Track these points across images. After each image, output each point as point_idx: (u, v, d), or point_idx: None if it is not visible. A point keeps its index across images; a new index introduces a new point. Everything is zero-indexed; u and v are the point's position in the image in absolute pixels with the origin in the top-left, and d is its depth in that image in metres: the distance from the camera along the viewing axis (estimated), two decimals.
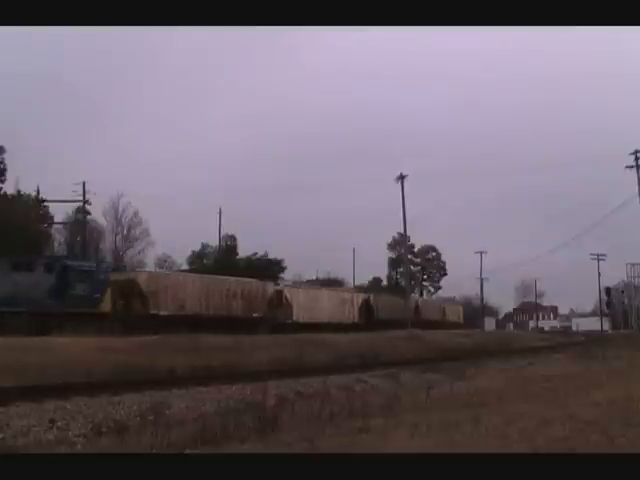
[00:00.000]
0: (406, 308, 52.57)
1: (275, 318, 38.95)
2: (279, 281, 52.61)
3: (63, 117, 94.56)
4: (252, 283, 40.05)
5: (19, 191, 50.32)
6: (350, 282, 74.03)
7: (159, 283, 32.82)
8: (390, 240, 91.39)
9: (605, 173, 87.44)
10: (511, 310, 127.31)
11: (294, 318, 40.71)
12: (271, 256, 62.89)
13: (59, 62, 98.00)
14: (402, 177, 50.38)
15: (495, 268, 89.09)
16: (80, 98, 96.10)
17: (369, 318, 48.90)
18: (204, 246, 67.44)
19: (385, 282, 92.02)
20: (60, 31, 70.32)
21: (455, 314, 75.69)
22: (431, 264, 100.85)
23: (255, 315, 37.85)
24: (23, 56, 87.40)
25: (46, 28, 55.81)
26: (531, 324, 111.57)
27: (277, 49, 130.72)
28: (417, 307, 61.29)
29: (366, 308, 49.97)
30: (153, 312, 31.18)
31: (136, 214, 59.38)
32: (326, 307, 44.95)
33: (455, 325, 67.97)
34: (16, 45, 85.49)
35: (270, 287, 41.38)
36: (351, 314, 47.79)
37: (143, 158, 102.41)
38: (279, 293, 41.55)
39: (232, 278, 40.55)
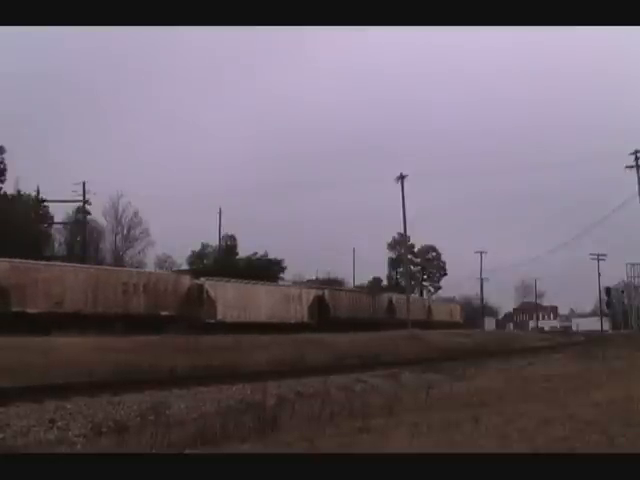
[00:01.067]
0: (408, 305, 50.25)
1: (197, 317, 33.78)
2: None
3: (63, 117, 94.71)
4: (160, 276, 35.27)
5: (19, 191, 50.43)
6: (350, 282, 74.13)
7: (25, 276, 28.15)
8: (390, 240, 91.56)
9: (605, 172, 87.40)
10: (511, 310, 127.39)
11: (219, 317, 35.53)
12: (271, 256, 62.96)
13: (60, 62, 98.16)
14: (402, 177, 50.37)
15: (495, 268, 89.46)
16: (81, 98, 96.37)
17: (323, 317, 43.22)
18: (204, 246, 67.52)
19: (385, 282, 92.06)
20: (61, 30, 70.50)
21: (445, 313, 69.60)
22: (431, 264, 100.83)
23: (164, 313, 32.79)
24: (24, 56, 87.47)
25: (47, 27, 55.87)
26: (531, 324, 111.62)
27: (277, 48, 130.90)
28: (391, 305, 55.17)
29: (319, 306, 44.11)
30: (17, 309, 26.98)
31: (136, 214, 59.45)
32: (264, 305, 39.25)
33: (446, 325, 61.34)
34: (17, 44, 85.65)
35: (186, 281, 36.21)
36: (299, 313, 42.21)
37: (143, 158, 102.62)
38: (199, 288, 35.91)
39: (133, 270, 36.19)
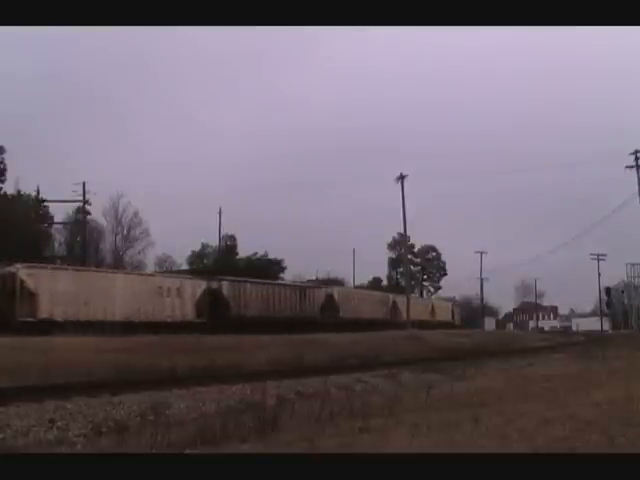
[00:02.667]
0: (408, 305, 48.58)
1: (7, 315, 26.44)
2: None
3: (63, 117, 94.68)
4: None
5: (19, 191, 50.50)
6: (350, 282, 74.12)
7: None
8: (390, 240, 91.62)
9: (605, 172, 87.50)
10: (511, 310, 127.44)
11: (42, 315, 27.75)
12: (271, 256, 62.99)
13: (60, 62, 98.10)
14: (402, 177, 50.41)
15: (495, 268, 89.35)
16: (81, 98, 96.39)
17: (219, 315, 35.25)
18: (204, 246, 67.78)
19: (385, 282, 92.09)
20: (61, 30, 70.41)
21: (423, 312, 57.96)
22: (431, 264, 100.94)
23: None
24: (25, 56, 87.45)
25: (46, 28, 55.85)
26: (531, 324, 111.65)
27: (278, 48, 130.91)
28: (331, 301, 45.46)
29: (213, 302, 35.96)
30: None
31: (136, 214, 59.59)
32: (120, 299, 31.09)
33: (424, 325, 50.74)
34: (18, 45, 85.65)
35: None
36: (179, 310, 34.16)
37: (144, 158, 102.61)
38: (11, 277, 27.93)
39: None
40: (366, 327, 39.69)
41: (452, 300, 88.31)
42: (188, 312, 34.81)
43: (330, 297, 45.97)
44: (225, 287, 37.84)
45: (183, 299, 34.86)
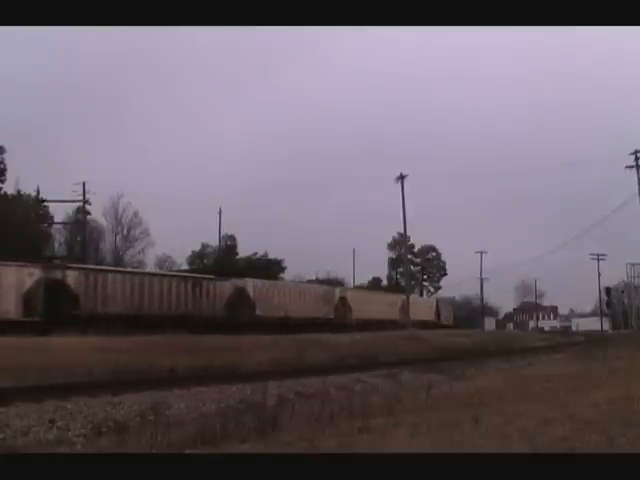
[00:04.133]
0: (407, 304, 48.92)
1: None
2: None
3: (64, 117, 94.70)
4: None
5: (19, 191, 50.49)
6: (350, 282, 74.10)
7: None
8: (390, 240, 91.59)
9: (605, 173, 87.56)
10: (511, 310, 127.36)
11: None
12: (271, 256, 62.95)
13: (61, 62, 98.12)
14: (402, 177, 50.43)
15: (495, 268, 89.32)
16: (82, 98, 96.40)
17: (63, 312, 27.37)
18: (204, 246, 67.73)
19: (385, 282, 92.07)
20: (63, 30, 70.47)
21: (390, 310, 46.72)
22: (431, 264, 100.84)
23: None
24: (26, 56, 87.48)
25: (47, 28, 55.88)
26: (531, 324, 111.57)
27: (278, 50, 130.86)
28: (243, 297, 37.04)
29: (53, 295, 27.76)
30: None
31: (136, 214, 59.63)
32: None
33: (389, 326, 41.34)
34: (19, 45, 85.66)
35: None
36: None
37: (144, 158, 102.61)
38: None
39: None
40: (295, 329, 31.76)
41: (451, 300, 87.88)
42: (10, 309, 26.44)
43: (241, 292, 37.24)
44: (72, 277, 29.19)
45: (1, 292, 26.38)
